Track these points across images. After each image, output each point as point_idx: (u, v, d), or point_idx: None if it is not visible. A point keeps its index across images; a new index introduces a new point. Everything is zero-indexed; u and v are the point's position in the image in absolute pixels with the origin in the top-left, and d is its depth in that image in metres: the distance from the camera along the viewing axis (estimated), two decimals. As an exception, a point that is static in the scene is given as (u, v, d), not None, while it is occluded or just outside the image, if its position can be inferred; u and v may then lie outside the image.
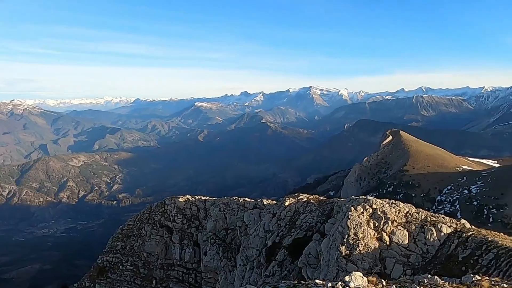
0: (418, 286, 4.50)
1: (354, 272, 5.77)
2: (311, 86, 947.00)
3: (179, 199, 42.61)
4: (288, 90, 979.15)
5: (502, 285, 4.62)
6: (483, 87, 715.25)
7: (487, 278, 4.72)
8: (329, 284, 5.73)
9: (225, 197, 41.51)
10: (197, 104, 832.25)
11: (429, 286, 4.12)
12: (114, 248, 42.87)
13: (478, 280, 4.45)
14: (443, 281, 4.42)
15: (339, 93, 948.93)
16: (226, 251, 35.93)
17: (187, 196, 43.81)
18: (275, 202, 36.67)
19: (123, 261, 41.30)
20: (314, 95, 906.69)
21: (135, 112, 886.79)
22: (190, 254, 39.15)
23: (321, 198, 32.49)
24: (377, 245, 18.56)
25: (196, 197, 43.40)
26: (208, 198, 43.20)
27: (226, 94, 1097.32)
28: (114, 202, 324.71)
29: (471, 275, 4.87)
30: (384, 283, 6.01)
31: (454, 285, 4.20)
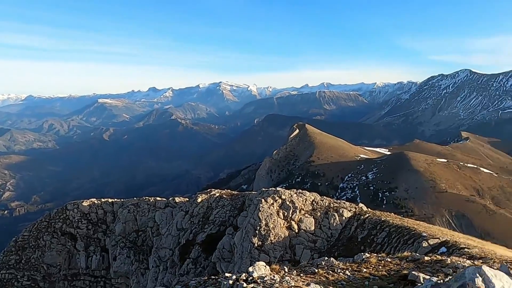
0: (316, 268, 4.86)
1: (257, 262, 5.97)
2: (221, 82, 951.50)
3: (82, 203, 39.57)
4: (198, 86, 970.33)
5: (386, 259, 5.16)
6: (375, 83, 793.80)
7: (375, 254, 5.23)
8: (234, 277, 5.84)
9: (135, 198, 39.69)
10: (100, 100, 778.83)
11: (326, 267, 4.46)
12: (7, 263, 38.20)
13: (367, 257, 4.92)
14: (338, 262, 4.81)
15: (249, 89, 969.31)
16: (137, 254, 34.45)
17: (92, 199, 40.90)
18: (187, 199, 36.15)
19: (18, 276, 37.05)
20: (224, 91, 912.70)
21: (27, 110, 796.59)
22: (98, 261, 36.68)
23: (233, 192, 32.90)
24: (286, 234, 19.45)
25: (103, 200, 40.76)
26: (116, 200, 40.86)
27: (132, 90, 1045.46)
28: (6, 211, 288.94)
29: (362, 253, 5.37)
30: (286, 270, 6.35)
31: (348, 264, 4.58)
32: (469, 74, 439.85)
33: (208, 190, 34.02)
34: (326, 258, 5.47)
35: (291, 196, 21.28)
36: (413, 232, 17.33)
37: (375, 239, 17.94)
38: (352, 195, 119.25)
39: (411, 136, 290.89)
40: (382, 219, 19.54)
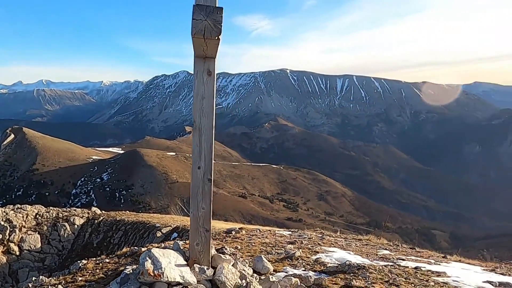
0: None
1: None
2: None
3: None
4: None
5: (105, 261, 5.08)
6: (102, 81, 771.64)
7: (94, 259, 5.04)
8: None
9: None
10: None
11: (35, 286, 3.94)
12: None
13: (84, 264, 4.67)
14: (50, 278, 4.34)
15: None
16: None
17: None
18: None
19: None
20: None
21: None
22: None
23: None
24: (4, 260, 16.18)
25: None
26: None
27: None
28: None
29: (79, 261, 5.07)
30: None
31: (61, 277, 4.19)
32: (187, 75, 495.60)
33: None
34: (34, 278, 4.82)
35: (7, 214, 17.84)
36: (148, 225, 17.98)
37: (111, 241, 17.56)
38: (87, 200, 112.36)
39: (142, 133, 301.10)
40: (118, 219, 19.32)
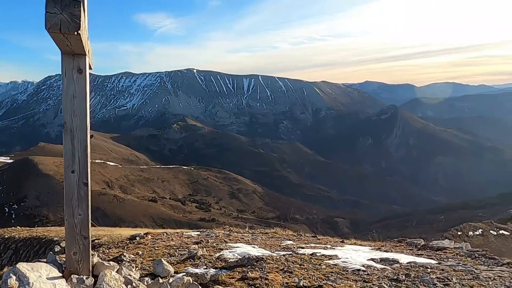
0: None
1: None
2: None
3: None
4: None
5: None
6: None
7: None
8: None
9: None
10: None
11: None
12: None
13: None
14: None
15: None
16: None
17: None
18: None
19: None
20: None
21: None
22: None
23: None
24: None
25: None
26: None
27: None
28: None
29: None
30: None
31: None
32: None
33: None
34: None
35: None
36: (44, 240, 16.47)
37: (1, 262, 15.68)
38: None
39: (35, 139, 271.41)
40: (6, 236, 17.31)
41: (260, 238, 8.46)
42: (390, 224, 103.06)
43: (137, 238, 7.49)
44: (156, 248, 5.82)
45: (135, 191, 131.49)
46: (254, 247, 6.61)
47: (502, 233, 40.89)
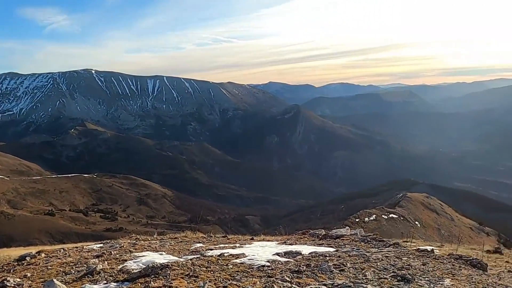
0: None
1: None
2: None
3: None
4: None
5: None
6: None
7: None
8: None
9: None
10: None
11: None
12: None
13: None
14: None
15: None
16: None
17: None
18: None
19: None
20: None
21: None
22: None
23: None
24: None
25: None
26: None
27: None
28: None
29: None
30: None
31: None
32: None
33: None
34: None
35: None
36: None
37: None
38: None
39: None
40: None
41: (168, 244, 8.27)
42: (297, 218, 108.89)
43: (27, 258, 6.73)
44: (49, 267, 5.28)
45: (27, 205, 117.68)
46: (161, 254, 6.43)
47: (392, 216, 46.09)
